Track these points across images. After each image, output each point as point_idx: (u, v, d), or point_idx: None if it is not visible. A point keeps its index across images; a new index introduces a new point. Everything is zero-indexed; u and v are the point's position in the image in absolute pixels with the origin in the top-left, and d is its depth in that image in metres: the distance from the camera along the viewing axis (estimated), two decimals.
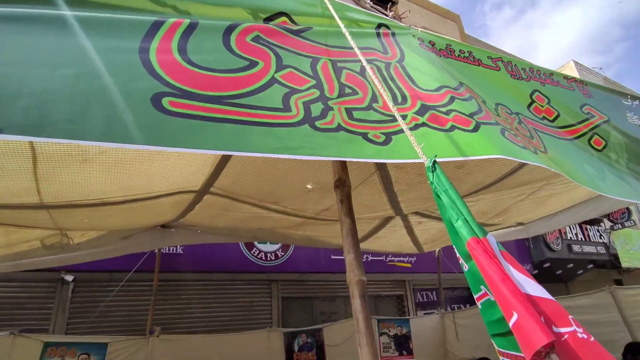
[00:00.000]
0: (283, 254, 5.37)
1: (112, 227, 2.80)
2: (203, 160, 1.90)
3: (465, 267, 0.76)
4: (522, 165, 1.97)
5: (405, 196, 2.35)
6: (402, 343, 4.70)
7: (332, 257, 5.58)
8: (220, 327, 4.93)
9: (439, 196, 0.82)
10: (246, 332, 4.21)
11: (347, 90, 1.23)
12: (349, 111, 1.18)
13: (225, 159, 1.92)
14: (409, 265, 6.15)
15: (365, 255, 5.68)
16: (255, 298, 5.48)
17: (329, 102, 1.16)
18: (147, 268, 3.85)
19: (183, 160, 1.86)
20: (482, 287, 0.72)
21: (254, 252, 5.20)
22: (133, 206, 2.28)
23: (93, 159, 1.72)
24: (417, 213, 2.80)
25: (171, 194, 2.28)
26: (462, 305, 6.84)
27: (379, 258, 6.02)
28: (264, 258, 5.24)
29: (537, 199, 2.59)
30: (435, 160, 0.86)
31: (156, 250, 3.81)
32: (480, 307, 0.74)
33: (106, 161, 1.75)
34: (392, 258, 6.01)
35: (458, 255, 0.79)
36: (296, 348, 4.18)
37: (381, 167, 2.09)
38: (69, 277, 4.25)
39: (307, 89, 1.13)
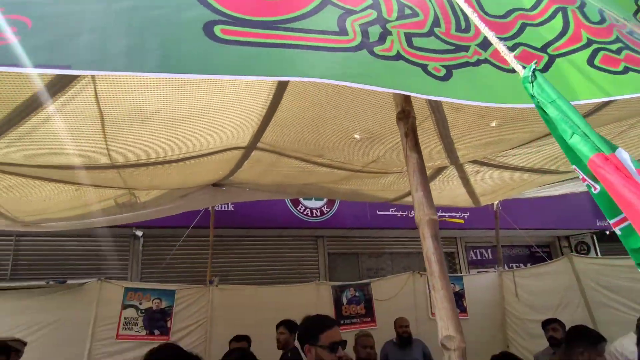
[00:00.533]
0: (328, 210, 5.46)
1: (171, 185, 3.01)
2: (251, 111, 1.88)
3: (595, 189, 0.65)
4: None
5: (463, 142, 2.15)
6: (455, 300, 4.65)
7: (378, 212, 5.52)
8: (270, 279, 5.31)
9: (543, 110, 0.70)
10: (296, 284, 4.47)
11: (407, 12, 1.08)
12: (408, 37, 1.05)
13: (272, 109, 1.89)
14: (462, 221, 5.86)
15: (412, 211, 5.55)
16: (302, 253, 5.75)
17: (388, 25, 1.03)
18: (203, 224, 4.17)
19: (232, 111, 1.86)
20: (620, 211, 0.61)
21: (300, 209, 5.35)
22: (188, 163, 2.39)
23: (150, 118, 1.78)
24: (474, 161, 2.58)
25: (221, 151, 2.35)
26: (521, 265, 6.55)
27: None
28: (309, 214, 5.38)
29: (630, 138, 2.19)
30: (535, 68, 0.73)
31: (210, 208, 4.08)
32: (619, 233, 0.63)
33: (161, 119, 1.81)
34: (443, 213, 5.75)
35: (583, 176, 0.66)
36: (344, 301, 4.37)
37: (436, 110, 1.91)
38: (139, 233, 4.78)
39: (364, 9, 1.01)
